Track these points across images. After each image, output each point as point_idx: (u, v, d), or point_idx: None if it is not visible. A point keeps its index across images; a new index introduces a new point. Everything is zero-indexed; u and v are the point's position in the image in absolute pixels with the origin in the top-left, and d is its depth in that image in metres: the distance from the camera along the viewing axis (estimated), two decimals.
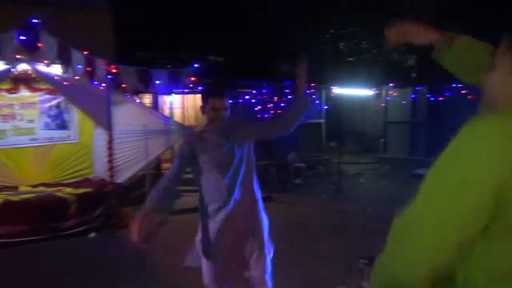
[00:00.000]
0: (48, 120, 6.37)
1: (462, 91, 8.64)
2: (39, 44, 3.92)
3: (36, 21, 3.87)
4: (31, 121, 6.24)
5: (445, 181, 0.85)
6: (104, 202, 5.80)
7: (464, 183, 0.80)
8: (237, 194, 2.41)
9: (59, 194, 5.70)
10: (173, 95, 8.14)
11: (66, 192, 5.78)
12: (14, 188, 6.05)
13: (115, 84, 5.23)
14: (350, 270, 3.71)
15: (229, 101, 2.41)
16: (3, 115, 6.01)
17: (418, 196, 0.87)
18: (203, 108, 2.42)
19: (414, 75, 9.31)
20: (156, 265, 4.47)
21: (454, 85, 8.73)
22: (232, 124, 2.47)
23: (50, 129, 6.41)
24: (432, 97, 9.84)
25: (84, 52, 4.49)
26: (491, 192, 0.78)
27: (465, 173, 0.81)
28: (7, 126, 6.07)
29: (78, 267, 4.40)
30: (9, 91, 5.89)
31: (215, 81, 2.39)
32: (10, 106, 6.04)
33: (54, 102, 6.33)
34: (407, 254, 0.84)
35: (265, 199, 8.42)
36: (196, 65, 6.59)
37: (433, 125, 10.23)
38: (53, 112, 6.38)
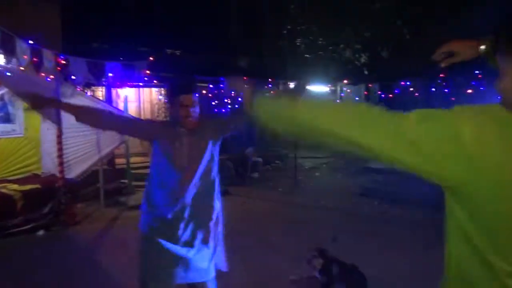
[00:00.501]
0: None
1: (410, 89, 9.12)
2: None
3: None
4: None
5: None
6: (53, 199, 5.57)
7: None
8: (190, 197, 2.31)
9: (3, 191, 5.42)
10: (127, 88, 7.92)
11: (12, 188, 5.50)
12: None
13: (64, 76, 5.01)
14: (303, 260, 3.84)
15: (197, 96, 2.30)
16: None
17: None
18: (170, 104, 2.33)
19: (366, 72, 9.67)
20: (108, 262, 4.38)
21: (402, 82, 9.18)
22: (201, 121, 2.35)
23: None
24: (383, 94, 10.29)
25: (30, 42, 4.27)
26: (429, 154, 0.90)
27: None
28: None
29: (26, 266, 4.23)
30: None
31: (182, 76, 2.27)
32: None
33: None
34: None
35: (223, 193, 8.49)
36: (151, 58, 6.48)
37: None
38: None
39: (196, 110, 2.25)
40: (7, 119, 6.20)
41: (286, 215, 6.31)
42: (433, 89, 8.47)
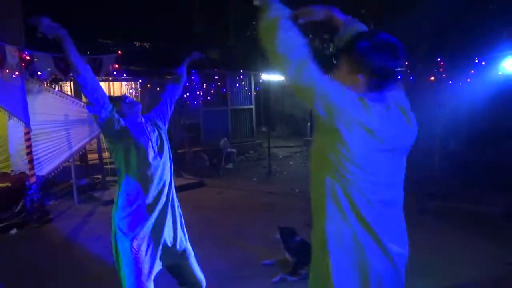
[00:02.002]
0: None
1: None
2: None
3: None
4: None
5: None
6: (24, 197, 5.50)
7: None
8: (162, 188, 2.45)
9: None
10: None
11: None
12: None
13: (29, 72, 4.93)
14: (276, 245, 4.00)
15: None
16: None
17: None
18: (116, 107, 2.41)
19: (335, 62, 9.85)
20: (84, 257, 4.40)
21: None
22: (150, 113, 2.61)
23: None
24: None
25: None
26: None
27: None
28: None
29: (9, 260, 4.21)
30: None
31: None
32: None
33: None
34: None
35: (198, 185, 8.51)
36: (119, 52, 6.43)
37: None
38: None
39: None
40: None
41: (260, 203, 6.45)
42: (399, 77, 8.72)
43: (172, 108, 2.75)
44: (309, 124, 12.34)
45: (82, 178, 7.32)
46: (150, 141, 2.38)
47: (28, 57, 4.89)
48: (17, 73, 4.79)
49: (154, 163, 2.36)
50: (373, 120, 1.43)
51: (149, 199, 2.35)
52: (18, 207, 5.41)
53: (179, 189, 7.49)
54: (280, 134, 15.11)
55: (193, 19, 11.39)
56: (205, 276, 2.77)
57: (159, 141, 2.45)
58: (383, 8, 8.29)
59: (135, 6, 10.04)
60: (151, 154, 2.35)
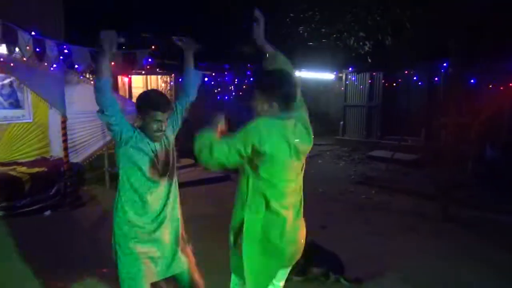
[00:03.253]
0: (0, 99, 6.31)
1: (414, 78, 9.10)
2: None
3: None
4: None
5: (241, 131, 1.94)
6: (60, 181, 5.88)
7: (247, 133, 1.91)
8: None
9: (13, 173, 5.73)
10: (133, 75, 8.15)
11: (20, 171, 5.82)
12: None
13: (67, 65, 5.24)
14: None
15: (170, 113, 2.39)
16: None
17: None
18: (141, 115, 2.31)
19: (370, 60, 9.68)
20: (109, 242, 4.67)
21: (406, 71, 9.17)
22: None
23: (3, 108, 6.35)
24: (386, 83, 10.29)
25: (32, 33, 4.49)
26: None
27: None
28: None
29: (33, 244, 4.54)
30: None
31: (156, 92, 2.32)
32: None
33: (7, 81, 6.26)
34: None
35: (223, 178, 8.63)
36: (153, 47, 6.66)
37: (387, 109, 10.74)
38: (6, 91, 6.31)
39: (166, 126, 2.36)
40: (17, 105, 6.50)
41: None
42: (436, 78, 8.46)
43: (184, 115, 2.64)
44: (341, 122, 12.19)
45: (115, 166, 7.68)
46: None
47: (66, 51, 5.18)
48: (55, 65, 5.10)
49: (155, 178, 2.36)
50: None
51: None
52: (53, 191, 5.79)
53: (204, 182, 7.80)
54: (313, 132, 15.00)
55: (236, 13, 11.45)
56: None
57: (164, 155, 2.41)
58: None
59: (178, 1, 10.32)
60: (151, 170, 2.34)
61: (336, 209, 6.04)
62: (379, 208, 6.11)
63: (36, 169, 5.88)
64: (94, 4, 8.61)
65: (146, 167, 2.32)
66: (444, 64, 8.25)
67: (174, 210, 2.52)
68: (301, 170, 2.16)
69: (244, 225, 2.01)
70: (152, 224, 2.39)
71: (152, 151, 2.35)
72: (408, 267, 3.96)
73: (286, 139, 1.91)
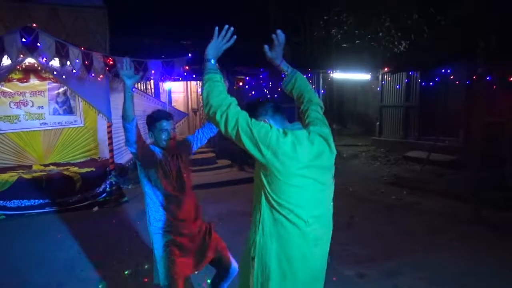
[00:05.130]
0: (56, 106, 7.02)
1: (451, 77, 8.91)
2: (38, 44, 4.48)
3: (35, 24, 4.43)
4: (41, 107, 6.91)
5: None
6: (106, 180, 6.46)
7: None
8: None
9: (66, 172, 6.39)
10: (172, 82, 8.68)
11: (72, 171, 6.47)
12: (29, 167, 6.77)
13: (112, 74, 5.77)
14: None
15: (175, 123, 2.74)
16: (16, 102, 6.69)
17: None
18: (151, 129, 2.68)
19: (405, 60, 9.59)
20: (147, 237, 5.12)
21: (443, 70, 8.99)
22: (178, 142, 2.85)
23: (58, 114, 7.06)
24: (423, 82, 10.11)
25: (82, 48, 5.04)
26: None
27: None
28: (19, 112, 6.76)
29: (82, 236, 5.08)
30: (20, 80, 6.55)
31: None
32: (22, 94, 6.71)
33: (61, 89, 6.96)
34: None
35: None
36: (189, 55, 7.10)
37: (424, 109, 10.55)
38: (60, 98, 7.03)
39: (174, 132, 2.71)
40: (70, 111, 7.21)
41: None
42: (474, 77, 8.22)
43: (203, 142, 2.99)
44: (377, 123, 12.09)
45: None
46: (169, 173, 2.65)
47: (111, 62, 5.72)
48: (102, 76, 5.65)
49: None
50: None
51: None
52: (100, 189, 6.38)
53: (239, 182, 8.14)
54: (351, 133, 14.96)
55: (270, 17, 11.79)
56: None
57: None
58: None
59: (213, 6, 10.75)
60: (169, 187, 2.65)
61: (364, 209, 6.14)
62: (408, 209, 6.13)
63: (85, 169, 6.50)
64: (135, 14, 9.22)
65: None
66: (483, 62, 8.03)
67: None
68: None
69: None
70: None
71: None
72: (428, 267, 4.03)
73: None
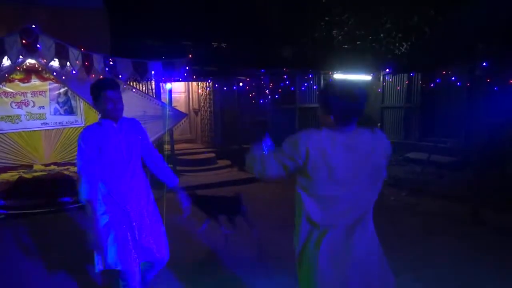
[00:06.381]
0: (57, 106, 7.07)
1: (452, 78, 8.89)
2: (38, 45, 4.52)
3: (34, 26, 4.47)
4: (42, 107, 6.96)
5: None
6: None
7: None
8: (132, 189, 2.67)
9: (66, 172, 6.44)
10: (173, 82, 8.72)
11: (73, 170, 6.51)
12: (30, 166, 6.83)
13: (112, 75, 5.80)
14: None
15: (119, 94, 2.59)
16: (17, 102, 6.74)
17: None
18: (95, 101, 2.57)
19: (406, 61, 9.59)
20: None
21: (444, 72, 8.97)
22: (130, 121, 2.75)
23: (59, 114, 7.11)
24: (424, 84, 10.10)
25: (82, 49, 5.08)
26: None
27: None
28: (21, 112, 6.81)
29: (78, 235, 5.11)
30: (22, 80, 6.60)
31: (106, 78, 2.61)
32: (23, 94, 6.76)
33: (62, 90, 7.01)
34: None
35: (258, 180, 8.90)
36: (190, 56, 7.14)
37: (425, 111, 10.53)
38: (61, 99, 7.07)
39: (121, 105, 2.58)
40: (71, 111, 7.25)
41: None
42: (474, 78, 8.22)
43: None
44: (378, 124, 12.07)
45: None
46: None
47: (111, 63, 5.75)
48: (101, 76, 5.69)
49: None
50: None
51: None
52: None
53: (239, 182, 8.16)
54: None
55: (272, 18, 11.80)
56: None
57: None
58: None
59: (215, 7, 10.79)
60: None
61: None
62: (406, 210, 6.13)
63: None
64: (135, 15, 9.27)
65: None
66: (484, 64, 8.03)
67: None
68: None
69: None
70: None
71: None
72: (426, 268, 4.04)
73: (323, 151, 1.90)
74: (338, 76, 11.15)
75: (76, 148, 6.37)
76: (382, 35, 9.49)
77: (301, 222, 2.03)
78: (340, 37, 9.66)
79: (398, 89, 11.08)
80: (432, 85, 9.59)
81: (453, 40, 7.80)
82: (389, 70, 10.51)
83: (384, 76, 11.36)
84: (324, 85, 1.95)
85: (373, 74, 11.25)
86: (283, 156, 1.96)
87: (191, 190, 4.48)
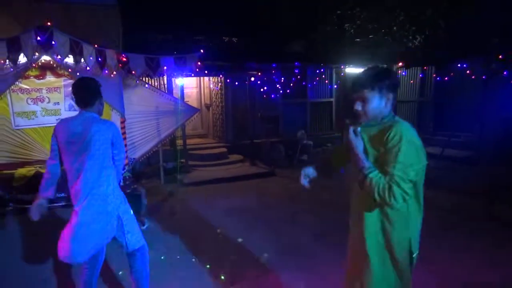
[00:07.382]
0: (71, 102, 7.16)
1: (467, 71, 8.75)
2: (53, 42, 4.60)
3: (49, 23, 4.54)
4: (57, 103, 7.05)
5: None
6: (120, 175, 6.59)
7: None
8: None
9: None
10: (185, 77, 8.77)
11: None
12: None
13: (126, 71, 5.86)
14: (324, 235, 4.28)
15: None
16: (33, 99, 6.85)
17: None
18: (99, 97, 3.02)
19: (420, 55, 9.46)
20: (163, 228, 5.23)
21: (459, 65, 8.84)
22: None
23: (74, 110, 7.20)
24: (438, 77, 9.96)
25: (95, 46, 5.14)
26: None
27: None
28: (36, 108, 6.92)
29: None
30: (37, 77, 6.70)
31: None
32: (39, 90, 6.85)
33: None
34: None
35: (268, 174, 8.99)
36: (201, 51, 7.15)
37: (439, 105, 10.40)
38: None
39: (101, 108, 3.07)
40: None
41: (318, 198, 6.56)
42: (490, 72, 8.07)
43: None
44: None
45: (169, 161, 8.37)
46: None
47: (124, 58, 5.81)
48: (115, 72, 5.75)
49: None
50: None
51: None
52: None
53: (250, 177, 8.20)
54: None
55: (283, 12, 11.75)
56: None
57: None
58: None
59: (227, 1, 10.78)
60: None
61: None
62: None
63: None
64: (147, 10, 9.32)
65: None
66: (500, 57, 7.88)
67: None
68: None
69: None
70: None
71: None
72: (439, 261, 4.02)
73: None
74: (350, 70, 11.07)
75: None
76: (395, 28, 9.36)
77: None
78: (352, 31, 9.56)
79: (411, 83, 10.96)
80: (446, 78, 9.46)
81: (468, 33, 7.66)
82: (402, 63, 10.39)
83: (397, 69, 11.24)
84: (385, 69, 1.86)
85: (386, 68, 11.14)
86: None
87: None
